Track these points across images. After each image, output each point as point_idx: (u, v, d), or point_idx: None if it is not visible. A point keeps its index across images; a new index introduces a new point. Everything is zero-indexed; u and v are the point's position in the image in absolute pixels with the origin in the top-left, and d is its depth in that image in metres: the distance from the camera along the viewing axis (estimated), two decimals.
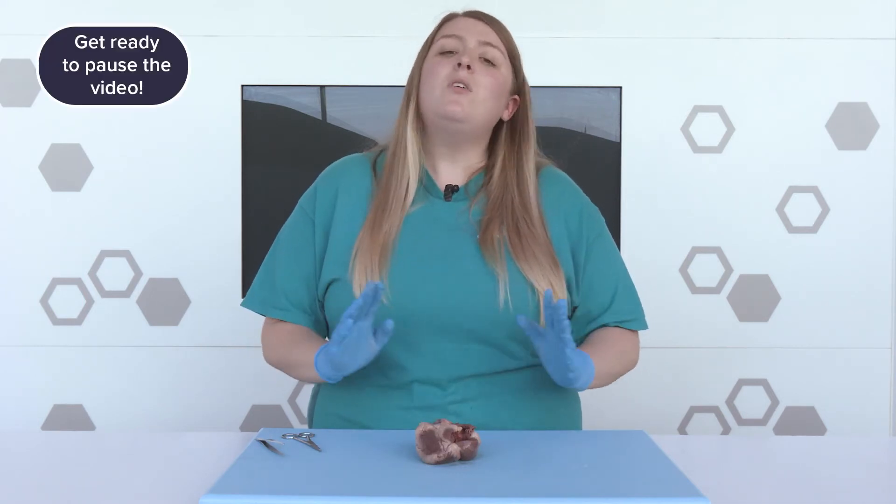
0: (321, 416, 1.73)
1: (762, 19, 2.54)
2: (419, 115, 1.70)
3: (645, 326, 1.75)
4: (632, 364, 1.74)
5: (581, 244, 1.70)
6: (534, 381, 1.66)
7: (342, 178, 1.72)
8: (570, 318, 1.72)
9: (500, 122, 1.73)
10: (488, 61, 1.67)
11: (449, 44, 1.68)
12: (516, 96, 1.73)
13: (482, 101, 1.65)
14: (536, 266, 1.63)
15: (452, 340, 1.61)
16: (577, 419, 1.76)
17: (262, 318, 1.76)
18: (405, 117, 1.70)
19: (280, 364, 1.71)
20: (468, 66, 1.64)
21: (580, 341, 1.73)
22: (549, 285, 1.62)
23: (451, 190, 1.70)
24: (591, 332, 1.72)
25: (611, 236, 1.77)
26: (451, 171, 1.71)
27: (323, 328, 1.74)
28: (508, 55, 1.70)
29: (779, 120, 2.55)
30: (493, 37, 1.69)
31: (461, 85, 1.63)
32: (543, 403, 1.65)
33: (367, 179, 1.71)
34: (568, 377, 1.51)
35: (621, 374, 1.71)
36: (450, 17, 1.74)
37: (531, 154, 1.72)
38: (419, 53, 1.73)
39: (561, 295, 1.63)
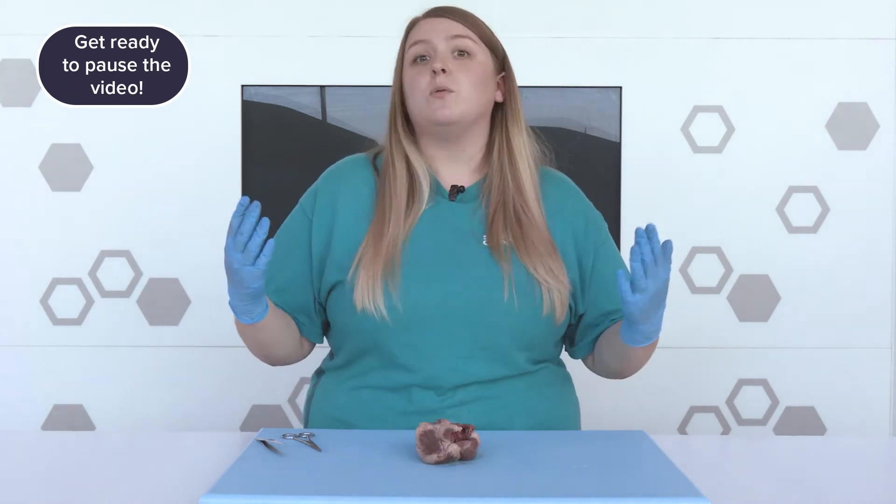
0: (316, 417, 1.72)
1: (762, 19, 2.54)
2: (410, 124, 1.69)
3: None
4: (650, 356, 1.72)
5: (588, 252, 1.70)
6: (531, 385, 1.65)
7: (343, 180, 1.71)
8: (576, 326, 1.71)
9: (498, 106, 1.72)
10: (462, 53, 1.66)
11: (419, 50, 1.67)
12: (503, 73, 1.71)
13: (467, 97, 1.64)
14: (535, 254, 1.62)
15: (458, 346, 1.60)
16: (576, 422, 1.75)
17: None
18: (395, 129, 1.70)
19: (250, 347, 1.70)
20: (443, 70, 1.62)
21: (594, 341, 1.72)
22: (550, 272, 1.61)
23: (456, 190, 1.69)
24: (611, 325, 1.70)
25: (612, 240, 1.76)
26: (455, 171, 1.70)
27: (316, 330, 1.72)
28: (482, 39, 1.68)
29: (779, 120, 2.55)
30: (459, 28, 1.67)
31: (442, 90, 1.62)
32: (541, 407, 1.65)
33: (369, 181, 1.71)
34: (654, 318, 1.51)
35: (643, 365, 1.69)
36: (413, 23, 1.71)
37: (520, 133, 1.70)
38: (396, 65, 1.72)
39: (562, 279, 1.62)
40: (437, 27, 1.67)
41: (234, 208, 1.46)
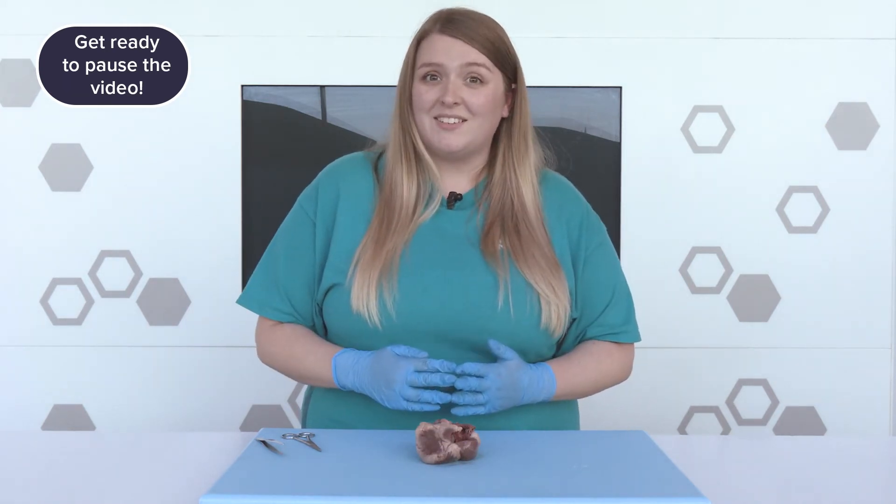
0: (314, 417, 1.72)
1: (762, 19, 2.54)
2: (416, 132, 1.65)
3: (635, 338, 1.72)
4: (619, 378, 1.72)
5: (580, 254, 1.68)
6: None
7: (344, 179, 1.70)
8: (569, 328, 1.70)
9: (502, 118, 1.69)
10: (475, 79, 1.61)
11: (429, 70, 1.62)
12: (513, 85, 1.68)
13: (476, 127, 1.63)
14: (536, 268, 1.62)
15: (453, 350, 1.59)
16: (575, 423, 1.74)
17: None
18: (401, 136, 1.66)
19: (285, 369, 1.69)
20: (455, 103, 1.59)
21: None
22: (550, 287, 1.61)
23: (454, 198, 1.68)
24: (581, 343, 1.70)
25: (612, 245, 1.74)
26: (456, 178, 1.69)
27: (319, 333, 1.71)
28: (496, 63, 1.63)
29: (779, 120, 2.55)
30: (473, 54, 1.61)
31: (450, 121, 1.61)
32: (540, 407, 1.64)
33: (369, 182, 1.69)
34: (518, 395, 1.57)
35: (602, 388, 1.70)
36: (424, 34, 1.65)
37: (527, 149, 1.68)
38: (403, 68, 1.67)
39: (562, 297, 1.62)
40: (450, 51, 1.61)
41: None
